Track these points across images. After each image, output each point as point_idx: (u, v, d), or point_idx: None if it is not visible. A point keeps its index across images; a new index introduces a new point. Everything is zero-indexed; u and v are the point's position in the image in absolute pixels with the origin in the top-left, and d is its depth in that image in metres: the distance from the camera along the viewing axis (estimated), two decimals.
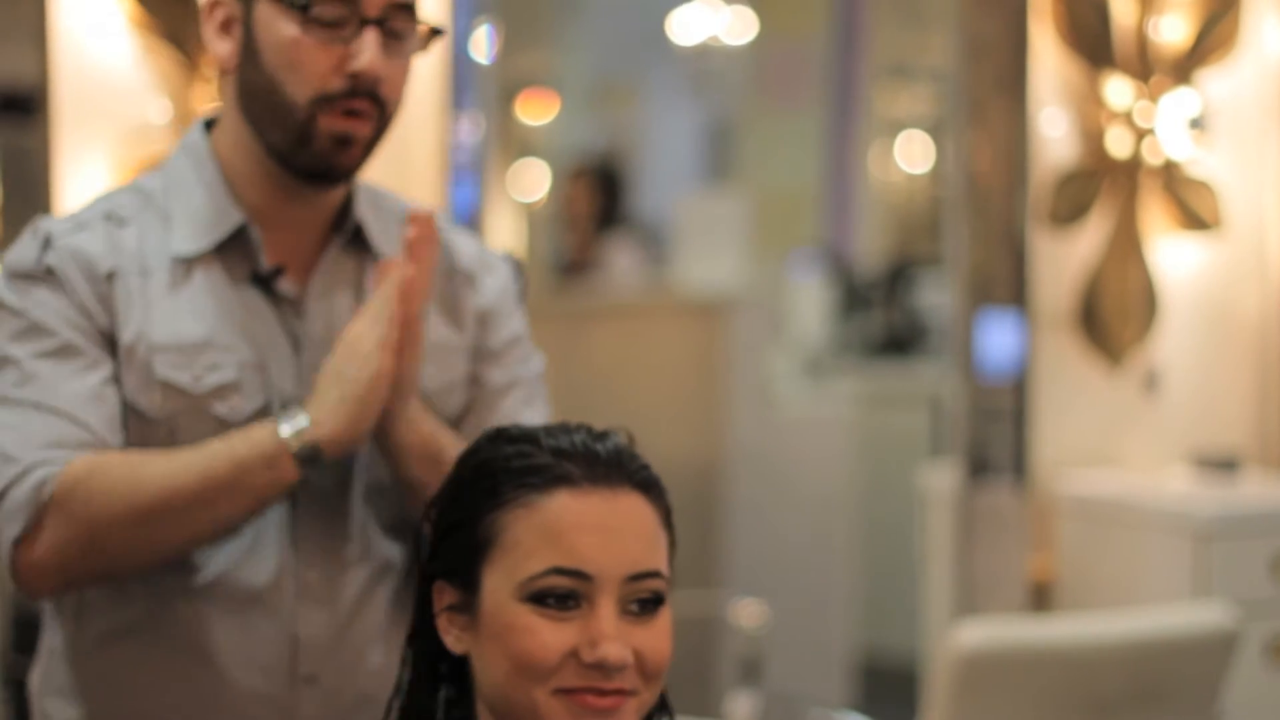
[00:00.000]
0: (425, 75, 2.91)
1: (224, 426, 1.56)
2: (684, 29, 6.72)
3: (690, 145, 8.76)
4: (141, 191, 1.64)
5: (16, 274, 1.57)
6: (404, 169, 2.90)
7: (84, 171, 2.73)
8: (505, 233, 4.74)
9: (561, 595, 1.26)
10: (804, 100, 7.07)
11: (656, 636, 1.29)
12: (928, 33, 7.22)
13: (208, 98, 2.75)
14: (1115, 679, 2.38)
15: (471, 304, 1.70)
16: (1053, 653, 2.38)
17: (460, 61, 3.25)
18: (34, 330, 1.54)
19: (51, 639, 1.64)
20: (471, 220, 3.45)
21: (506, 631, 1.27)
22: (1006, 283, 3.36)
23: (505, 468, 1.30)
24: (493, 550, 1.28)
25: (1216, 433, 3.48)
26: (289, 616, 1.59)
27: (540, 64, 7.24)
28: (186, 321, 1.57)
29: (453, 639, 1.32)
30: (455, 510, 1.32)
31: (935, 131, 7.52)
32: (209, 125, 1.67)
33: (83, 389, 1.53)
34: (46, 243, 1.58)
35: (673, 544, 1.34)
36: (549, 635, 1.26)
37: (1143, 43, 3.36)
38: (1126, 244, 3.38)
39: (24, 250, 1.59)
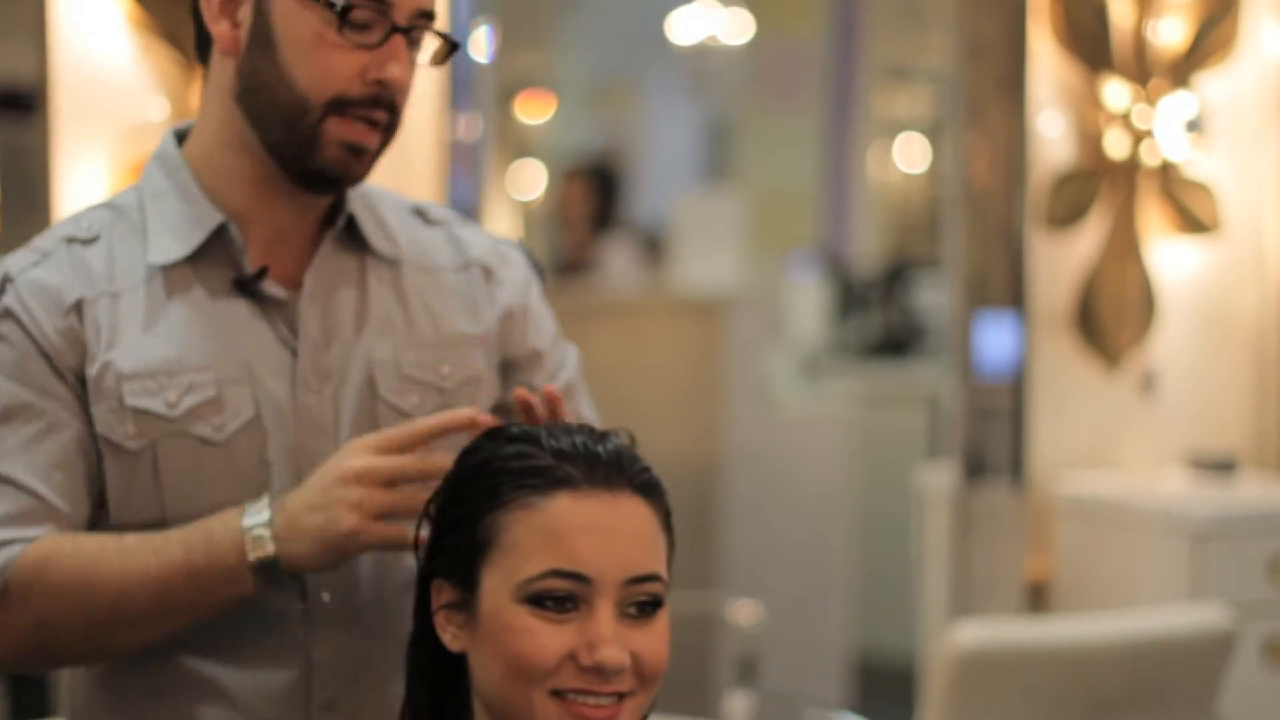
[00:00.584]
0: (424, 75, 2.91)
1: (208, 447, 1.47)
2: (682, 29, 6.72)
3: (688, 145, 8.76)
4: (113, 207, 1.54)
5: None
6: (403, 168, 2.91)
7: (83, 170, 2.73)
8: (503, 232, 4.73)
9: (560, 597, 1.26)
10: (802, 100, 7.07)
11: (654, 639, 1.29)
12: (926, 34, 7.23)
13: None
14: (1112, 680, 2.38)
15: (490, 298, 1.62)
16: (1050, 653, 2.38)
17: (459, 61, 3.25)
18: None
19: None
20: (469, 219, 3.45)
21: (504, 632, 1.27)
22: (1004, 283, 3.36)
23: (505, 468, 1.29)
24: (492, 551, 1.28)
25: (1214, 434, 3.49)
26: (302, 641, 1.50)
27: (539, 64, 7.24)
28: (158, 344, 1.47)
29: (450, 637, 1.31)
30: (455, 509, 1.32)
31: (933, 132, 7.52)
32: (180, 136, 1.57)
33: (41, 458, 1.44)
34: (5, 282, 1.48)
35: (672, 546, 1.34)
36: (546, 637, 1.25)
37: (1141, 45, 3.37)
38: (1124, 245, 3.39)
39: None
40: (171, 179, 1.53)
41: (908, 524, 4.12)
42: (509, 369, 1.62)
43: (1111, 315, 3.38)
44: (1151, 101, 3.36)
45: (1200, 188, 3.42)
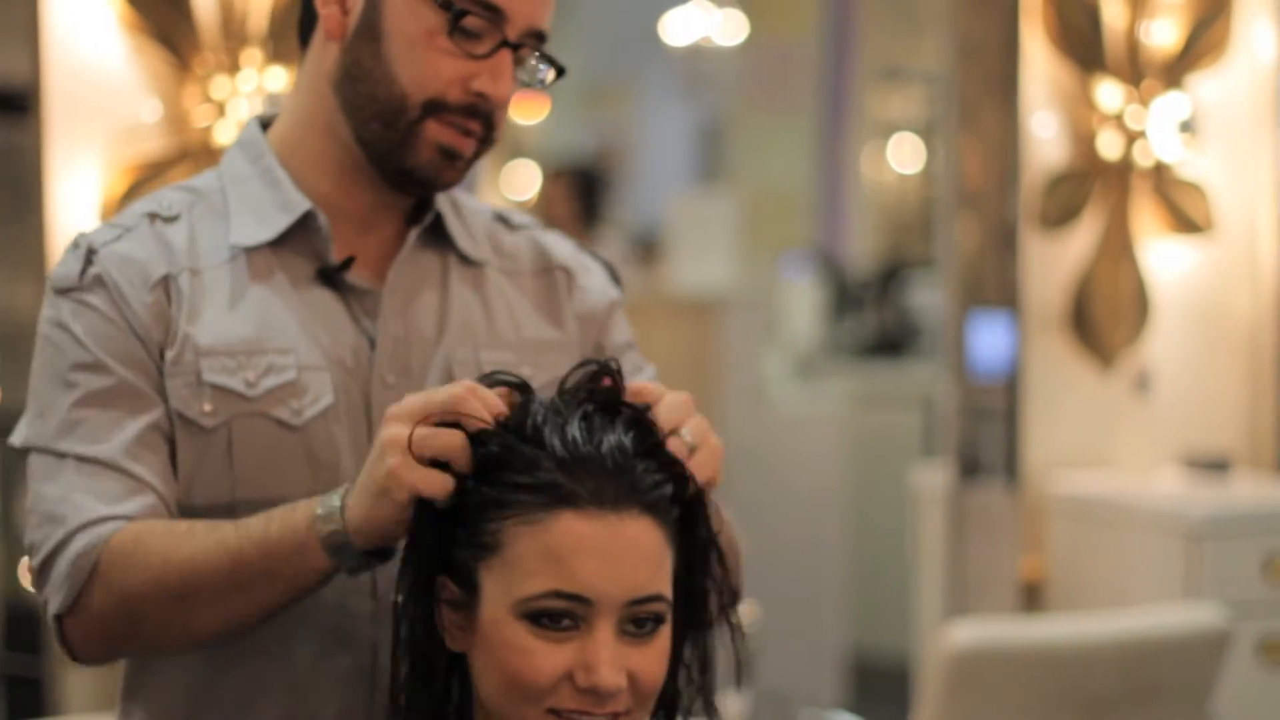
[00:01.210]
0: None
1: (287, 431, 1.43)
2: (676, 30, 6.73)
3: (682, 146, 8.77)
4: (192, 190, 1.51)
5: (60, 293, 1.45)
6: None
7: (76, 171, 2.73)
8: None
9: (558, 615, 1.24)
10: (796, 101, 7.07)
11: (652, 658, 1.27)
12: (919, 35, 7.24)
13: (199, 98, 2.75)
14: (1107, 679, 2.38)
15: (573, 303, 1.59)
16: (1044, 653, 2.38)
17: None
18: (78, 366, 1.42)
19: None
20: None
21: (502, 647, 1.25)
22: (998, 284, 3.37)
23: (512, 482, 1.26)
24: (493, 559, 1.27)
25: (1207, 434, 3.49)
26: (368, 645, 1.46)
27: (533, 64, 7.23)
28: (239, 322, 1.44)
29: (450, 636, 1.31)
30: (458, 507, 1.30)
31: (927, 133, 7.54)
32: (264, 125, 1.54)
33: (130, 436, 1.41)
34: (89, 255, 1.45)
35: (680, 557, 1.32)
36: (543, 657, 1.24)
37: (1133, 46, 3.37)
38: (1117, 246, 3.39)
39: (66, 267, 1.45)
40: (256, 164, 1.50)
41: (902, 523, 4.12)
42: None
43: (1105, 315, 3.38)
44: (1144, 102, 3.36)
45: (1193, 188, 3.42)
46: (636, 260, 5.94)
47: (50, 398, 1.43)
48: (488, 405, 1.29)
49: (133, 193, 2.68)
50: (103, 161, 2.73)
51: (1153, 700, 2.42)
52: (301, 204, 1.47)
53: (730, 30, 6.66)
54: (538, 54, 1.48)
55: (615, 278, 1.65)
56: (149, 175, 2.71)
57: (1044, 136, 3.36)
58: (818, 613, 4.66)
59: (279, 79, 2.73)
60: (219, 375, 1.43)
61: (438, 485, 1.28)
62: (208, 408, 1.43)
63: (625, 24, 8.03)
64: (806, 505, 4.69)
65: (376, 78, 1.44)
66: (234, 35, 2.76)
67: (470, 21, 1.42)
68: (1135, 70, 3.37)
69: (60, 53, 2.71)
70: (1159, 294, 3.44)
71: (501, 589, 1.26)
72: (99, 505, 1.39)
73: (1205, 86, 3.44)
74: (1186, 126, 3.38)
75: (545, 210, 5.93)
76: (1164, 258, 3.45)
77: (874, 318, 6.35)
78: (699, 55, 6.74)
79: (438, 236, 1.54)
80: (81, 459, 1.40)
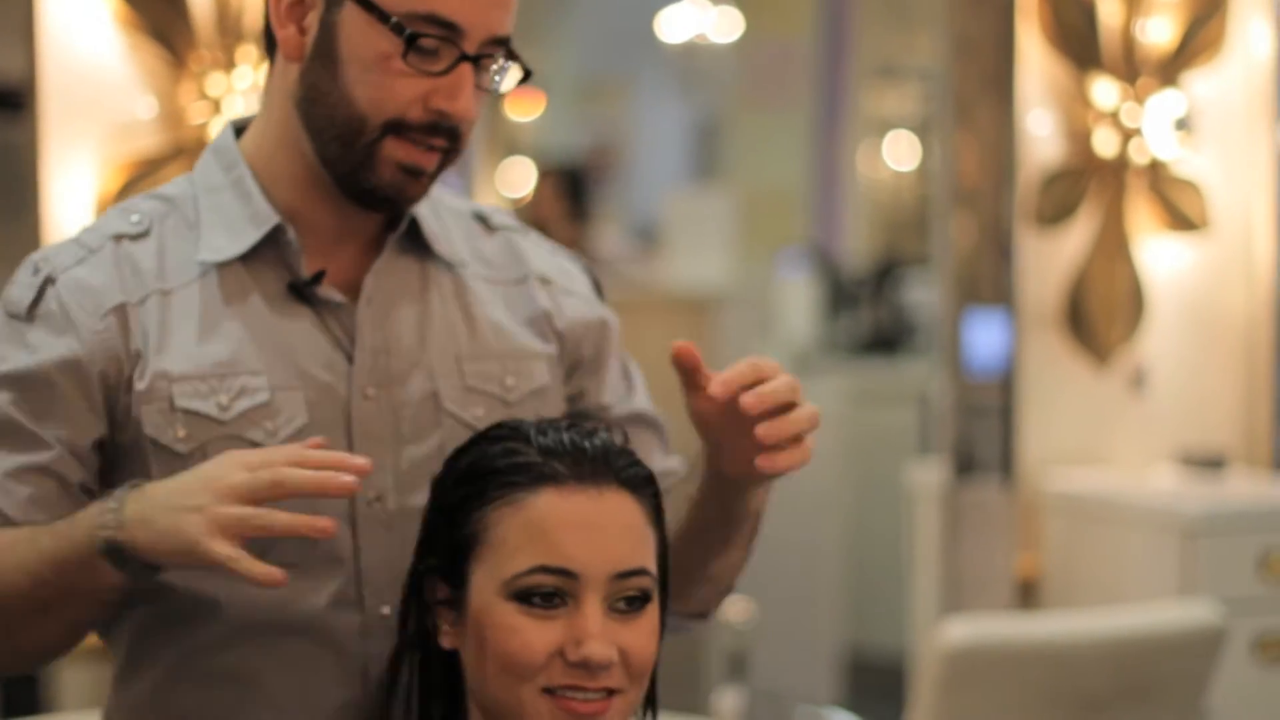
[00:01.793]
0: None
1: None
2: (671, 27, 6.73)
3: (678, 143, 8.77)
4: (164, 198, 1.49)
5: (9, 314, 1.43)
6: None
7: (71, 168, 2.73)
8: None
9: (547, 593, 1.26)
10: (792, 98, 7.07)
11: (642, 634, 1.28)
12: (915, 33, 7.23)
13: (194, 94, 2.75)
14: (1102, 676, 2.39)
15: (556, 312, 1.57)
16: (1039, 650, 2.39)
17: None
18: None
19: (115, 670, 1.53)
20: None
21: (492, 630, 1.27)
22: (993, 281, 3.37)
23: (492, 466, 1.30)
24: (480, 548, 1.28)
25: (1203, 431, 3.49)
26: (357, 656, 1.44)
27: (528, 61, 7.23)
28: (210, 345, 1.42)
29: (442, 635, 1.32)
30: (444, 507, 1.33)
31: (922, 131, 7.53)
32: (238, 130, 1.52)
33: (23, 492, 1.38)
34: (44, 287, 1.43)
35: (664, 541, 1.34)
36: (533, 634, 1.25)
37: (1129, 44, 3.37)
38: (1113, 243, 3.39)
39: (20, 291, 1.44)
40: (228, 174, 1.48)
41: (897, 521, 4.12)
42: (573, 374, 1.58)
43: (1101, 313, 3.39)
44: (1140, 100, 3.37)
45: (1189, 186, 3.43)
46: (636, 256, 5.94)
47: None
48: (337, 465, 1.28)
49: (128, 189, 2.68)
50: (98, 158, 2.73)
51: (1148, 697, 2.43)
52: (271, 218, 1.45)
53: (725, 27, 6.67)
54: (505, 56, 1.45)
55: (594, 279, 1.63)
56: (144, 172, 2.71)
57: (1039, 134, 3.36)
58: (813, 610, 4.66)
59: None
60: (191, 400, 1.41)
61: (237, 564, 1.26)
62: (181, 433, 1.41)
63: (621, 21, 8.03)
64: (801, 502, 4.69)
65: (334, 101, 1.41)
66: (229, 32, 2.76)
67: (426, 41, 1.39)
68: (1131, 68, 3.37)
69: (56, 49, 2.71)
70: (1154, 292, 3.44)
71: (489, 573, 1.28)
72: None
73: (1201, 84, 3.44)
74: (1182, 124, 3.39)
75: (533, 210, 5.93)
76: (1159, 255, 3.45)
77: (869, 315, 6.35)
78: (694, 52, 6.74)
79: (415, 241, 1.52)
80: None
